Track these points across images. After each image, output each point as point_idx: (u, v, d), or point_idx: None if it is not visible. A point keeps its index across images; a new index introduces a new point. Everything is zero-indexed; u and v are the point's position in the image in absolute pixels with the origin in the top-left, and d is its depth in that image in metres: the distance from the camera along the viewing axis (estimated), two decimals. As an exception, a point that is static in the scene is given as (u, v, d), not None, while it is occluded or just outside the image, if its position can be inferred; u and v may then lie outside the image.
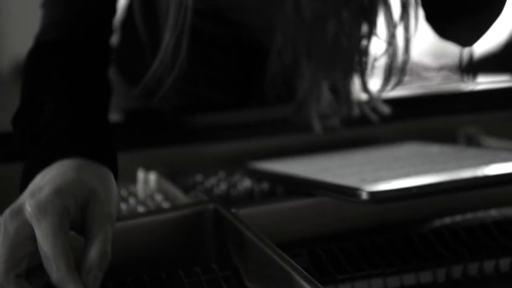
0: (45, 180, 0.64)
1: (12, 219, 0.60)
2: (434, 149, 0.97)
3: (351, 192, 0.73)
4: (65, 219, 0.60)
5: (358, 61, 0.93)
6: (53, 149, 0.69)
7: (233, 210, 0.76)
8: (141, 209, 0.86)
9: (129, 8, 1.07)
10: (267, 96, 1.03)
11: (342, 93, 0.99)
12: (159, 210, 0.83)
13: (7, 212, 0.61)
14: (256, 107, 1.08)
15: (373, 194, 0.71)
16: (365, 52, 0.93)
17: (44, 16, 0.91)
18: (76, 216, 0.62)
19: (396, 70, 0.99)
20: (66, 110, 0.74)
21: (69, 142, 0.69)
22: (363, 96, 1.00)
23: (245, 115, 1.07)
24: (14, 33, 5.84)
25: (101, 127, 0.75)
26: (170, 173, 0.96)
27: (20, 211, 0.61)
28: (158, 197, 0.90)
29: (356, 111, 1.01)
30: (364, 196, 0.71)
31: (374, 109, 1.02)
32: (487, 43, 1.10)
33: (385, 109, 1.03)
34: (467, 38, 0.95)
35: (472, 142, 1.08)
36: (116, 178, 0.70)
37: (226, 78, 1.11)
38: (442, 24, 0.91)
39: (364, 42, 0.93)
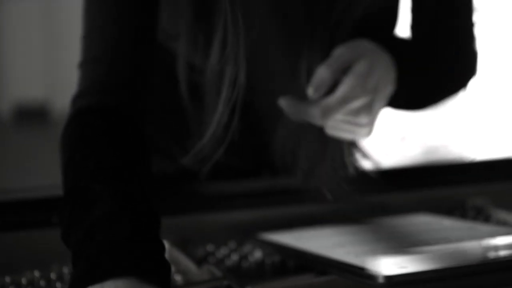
0: None
1: None
2: (446, 224, 0.97)
3: (367, 275, 0.73)
4: None
5: None
6: (111, 262, 0.68)
7: (247, 288, 0.75)
8: (152, 281, 0.86)
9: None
10: (275, 163, 1.04)
11: (340, 156, 1.00)
12: (172, 286, 0.83)
13: None
14: (268, 176, 1.08)
15: (389, 278, 0.71)
16: None
17: (82, 76, 0.92)
18: None
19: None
20: (121, 213, 0.73)
21: (128, 259, 0.68)
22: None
23: (256, 184, 1.07)
24: (15, 76, 5.87)
25: (157, 235, 0.74)
26: (181, 242, 0.96)
27: None
28: (170, 269, 0.90)
29: (351, 170, 1.01)
30: (381, 279, 0.71)
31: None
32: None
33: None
34: (420, 104, 1.01)
35: (481, 213, 1.08)
36: None
37: (238, 144, 1.11)
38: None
39: None
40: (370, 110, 0.87)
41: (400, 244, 0.85)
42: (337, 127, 0.90)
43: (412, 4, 1.06)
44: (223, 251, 0.95)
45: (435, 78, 1.05)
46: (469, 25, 1.06)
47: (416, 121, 2.96)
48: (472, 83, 1.10)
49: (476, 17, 1.06)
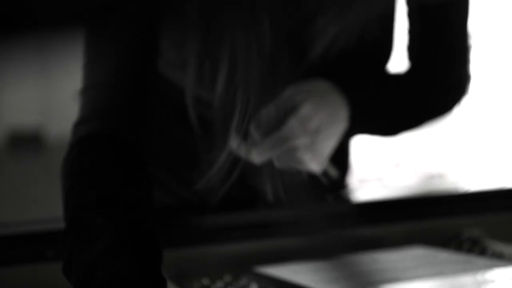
0: None
1: None
2: (442, 257, 0.97)
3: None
4: None
5: None
6: None
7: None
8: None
9: None
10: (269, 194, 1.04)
11: None
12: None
13: None
14: (263, 208, 1.08)
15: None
16: None
17: (84, 103, 0.93)
18: None
19: None
20: (123, 248, 0.73)
21: None
22: None
23: (251, 216, 1.07)
24: (9, 102, 5.87)
25: (158, 270, 0.75)
26: (176, 276, 0.96)
27: None
28: (165, 304, 0.89)
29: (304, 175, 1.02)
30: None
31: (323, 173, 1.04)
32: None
33: (333, 172, 1.03)
34: (391, 130, 1.04)
35: (477, 245, 1.08)
36: None
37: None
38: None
39: None
40: (310, 149, 0.92)
41: (395, 279, 0.85)
42: (282, 159, 0.93)
43: (408, 27, 1.07)
44: (218, 285, 0.95)
45: (424, 103, 1.07)
46: (465, 49, 1.08)
47: (411, 148, 2.97)
48: (468, 113, 1.12)
49: (472, 41, 1.08)
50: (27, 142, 5.55)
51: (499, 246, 1.06)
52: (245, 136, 0.93)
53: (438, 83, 1.08)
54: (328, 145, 0.94)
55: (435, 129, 1.16)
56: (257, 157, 0.90)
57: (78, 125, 0.92)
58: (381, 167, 2.76)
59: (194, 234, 1.03)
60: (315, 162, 0.93)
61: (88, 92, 0.93)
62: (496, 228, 1.13)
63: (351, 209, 1.11)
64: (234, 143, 0.91)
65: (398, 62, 1.08)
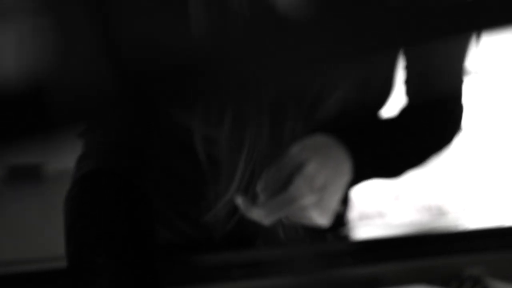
0: None
1: None
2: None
3: None
4: None
5: None
6: None
7: None
8: None
9: None
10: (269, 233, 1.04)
11: None
12: None
13: None
14: (261, 246, 1.08)
15: None
16: None
17: (86, 141, 0.92)
18: None
19: None
20: None
21: None
22: None
23: (250, 254, 1.06)
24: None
25: None
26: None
27: None
28: None
29: None
30: None
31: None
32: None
33: (341, 208, 1.03)
34: (394, 172, 1.04)
35: (478, 284, 1.07)
36: None
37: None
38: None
39: None
40: (318, 206, 0.92)
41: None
42: (290, 218, 0.94)
43: (405, 63, 1.07)
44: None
45: (420, 142, 1.07)
46: (459, 84, 1.08)
47: (410, 180, 2.96)
48: (468, 150, 1.11)
49: (467, 77, 1.08)
50: (26, 175, 5.52)
51: (500, 285, 1.05)
52: (248, 190, 0.92)
53: (436, 117, 1.08)
54: (335, 200, 0.94)
55: (435, 165, 1.15)
56: (266, 218, 0.90)
57: (81, 161, 0.92)
58: (380, 200, 2.75)
59: (193, 273, 1.03)
60: (324, 218, 0.93)
61: (92, 128, 0.94)
62: (498, 266, 1.12)
63: (351, 248, 1.10)
64: (242, 205, 0.91)
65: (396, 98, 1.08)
